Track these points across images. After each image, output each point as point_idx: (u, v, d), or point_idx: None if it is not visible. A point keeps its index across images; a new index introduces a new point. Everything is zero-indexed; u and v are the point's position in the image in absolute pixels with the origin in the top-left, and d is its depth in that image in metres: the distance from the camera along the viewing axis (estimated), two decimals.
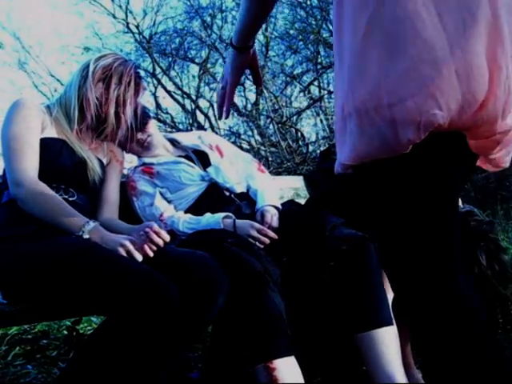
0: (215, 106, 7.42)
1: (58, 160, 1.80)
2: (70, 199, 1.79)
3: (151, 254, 1.61)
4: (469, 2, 0.98)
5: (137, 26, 8.36)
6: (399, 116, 0.96)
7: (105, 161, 1.99)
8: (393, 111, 0.97)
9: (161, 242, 1.64)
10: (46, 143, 1.79)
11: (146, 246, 1.61)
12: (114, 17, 8.39)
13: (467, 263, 1.98)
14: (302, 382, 1.62)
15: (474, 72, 0.95)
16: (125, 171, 2.23)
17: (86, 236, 1.63)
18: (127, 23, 8.38)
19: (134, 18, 8.37)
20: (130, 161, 2.45)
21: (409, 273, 1.07)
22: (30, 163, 1.72)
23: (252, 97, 7.99)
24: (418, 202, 1.04)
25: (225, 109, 1.48)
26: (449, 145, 1.02)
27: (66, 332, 2.87)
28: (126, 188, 2.16)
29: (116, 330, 1.44)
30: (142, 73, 2.02)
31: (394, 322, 1.79)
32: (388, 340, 1.75)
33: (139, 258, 1.58)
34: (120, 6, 8.30)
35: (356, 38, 1.02)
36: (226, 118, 1.51)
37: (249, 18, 1.34)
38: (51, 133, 1.83)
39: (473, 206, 2.14)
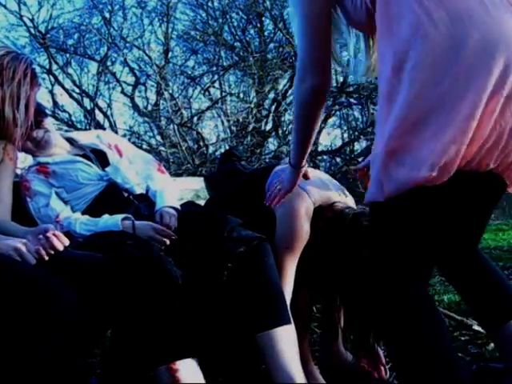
0: (113, 105, 7.26)
1: None
2: None
3: (46, 258, 1.56)
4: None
5: (31, 20, 7.99)
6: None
7: None
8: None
9: (60, 247, 1.59)
10: None
11: (41, 250, 1.55)
12: (5, 7, 7.96)
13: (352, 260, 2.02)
14: (204, 382, 1.63)
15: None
16: (18, 171, 2.14)
17: None
18: (20, 15, 7.97)
19: (29, 10, 7.99)
20: (24, 160, 2.36)
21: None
22: None
23: (152, 97, 7.90)
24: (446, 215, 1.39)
25: (274, 203, 1.94)
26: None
27: None
28: (20, 188, 2.07)
29: (8, 334, 1.38)
30: (38, 68, 1.94)
31: (292, 320, 1.83)
32: (287, 338, 1.79)
33: (33, 261, 1.52)
34: None
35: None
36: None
37: (305, 143, 1.69)
38: None
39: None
